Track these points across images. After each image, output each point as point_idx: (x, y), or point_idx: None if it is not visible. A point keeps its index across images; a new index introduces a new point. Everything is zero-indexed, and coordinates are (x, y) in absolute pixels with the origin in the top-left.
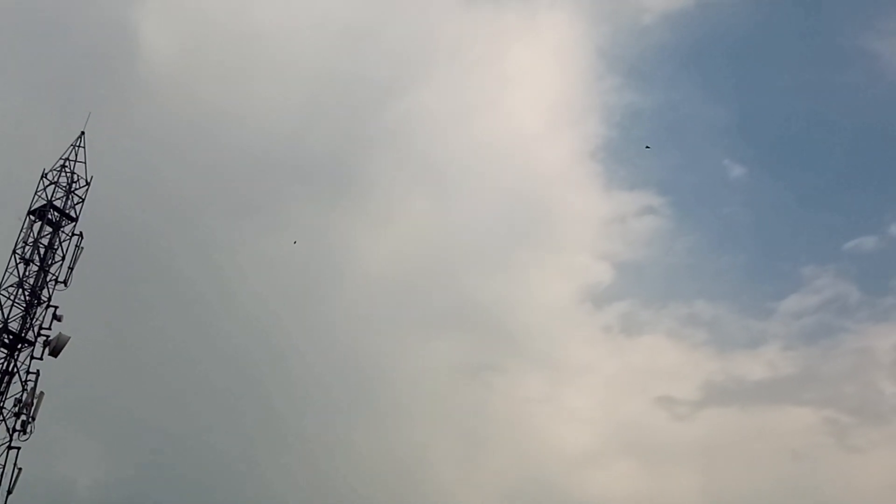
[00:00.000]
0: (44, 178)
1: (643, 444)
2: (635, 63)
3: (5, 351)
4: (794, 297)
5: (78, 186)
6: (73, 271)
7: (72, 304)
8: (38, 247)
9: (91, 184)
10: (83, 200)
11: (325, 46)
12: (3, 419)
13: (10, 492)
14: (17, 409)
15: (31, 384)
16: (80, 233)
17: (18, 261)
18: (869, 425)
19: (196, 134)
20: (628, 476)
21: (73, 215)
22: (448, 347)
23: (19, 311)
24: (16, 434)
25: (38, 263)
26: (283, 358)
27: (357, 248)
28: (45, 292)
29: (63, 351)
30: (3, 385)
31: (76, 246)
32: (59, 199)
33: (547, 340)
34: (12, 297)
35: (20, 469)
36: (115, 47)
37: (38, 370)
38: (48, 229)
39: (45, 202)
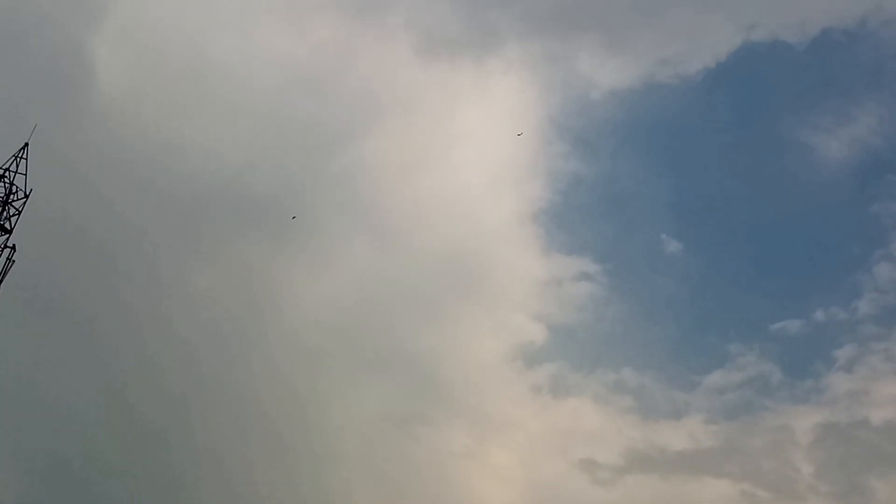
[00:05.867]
0: None
1: None
2: (581, 133)
3: None
4: (718, 373)
5: (16, 198)
6: (2, 283)
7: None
8: None
9: (30, 197)
10: (20, 213)
11: (279, 88)
12: None
13: None
14: None
15: None
16: (13, 245)
17: None
18: (784, 501)
19: (142, 162)
20: None
21: (8, 227)
22: (377, 394)
23: None
24: None
25: None
26: (209, 394)
27: (295, 289)
28: None
29: None
30: None
31: (7, 259)
32: None
33: (476, 395)
34: None
35: None
36: (70, 68)
37: None
38: None
39: None
